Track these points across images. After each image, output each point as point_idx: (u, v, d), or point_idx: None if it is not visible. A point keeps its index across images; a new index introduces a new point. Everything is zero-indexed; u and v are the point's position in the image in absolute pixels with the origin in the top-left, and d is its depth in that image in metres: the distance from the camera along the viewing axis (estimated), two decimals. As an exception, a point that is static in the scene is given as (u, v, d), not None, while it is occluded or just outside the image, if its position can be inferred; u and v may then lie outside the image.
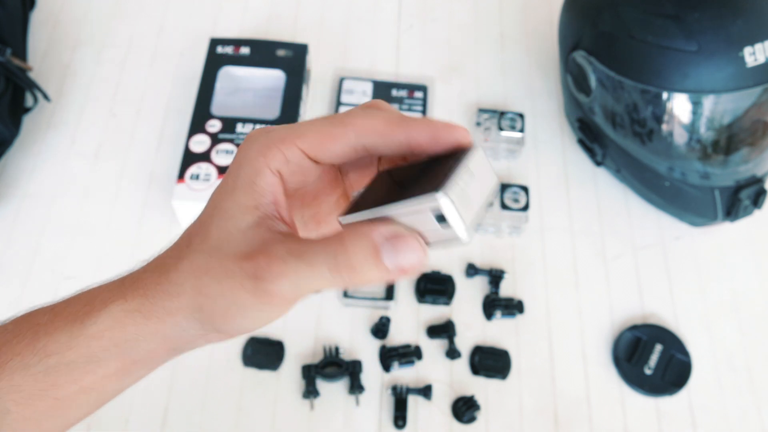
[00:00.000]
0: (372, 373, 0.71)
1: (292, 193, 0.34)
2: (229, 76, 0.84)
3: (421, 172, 0.32)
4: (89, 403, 0.34)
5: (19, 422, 0.32)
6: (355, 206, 0.32)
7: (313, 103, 0.88)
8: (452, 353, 0.72)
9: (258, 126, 0.79)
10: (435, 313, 0.75)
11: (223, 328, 0.32)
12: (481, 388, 0.71)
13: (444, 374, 0.71)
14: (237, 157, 0.33)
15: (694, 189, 0.75)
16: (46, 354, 0.32)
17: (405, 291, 0.76)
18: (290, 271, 0.29)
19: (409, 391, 0.69)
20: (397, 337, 0.73)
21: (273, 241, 0.30)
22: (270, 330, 0.73)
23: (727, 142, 0.73)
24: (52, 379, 0.32)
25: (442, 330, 0.73)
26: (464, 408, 0.68)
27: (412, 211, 0.28)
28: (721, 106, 0.71)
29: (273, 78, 0.84)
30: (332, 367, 0.70)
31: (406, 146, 0.32)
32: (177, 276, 0.32)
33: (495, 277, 0.76)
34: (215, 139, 0.77)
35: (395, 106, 0.87)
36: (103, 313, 0.32)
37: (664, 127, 0.73)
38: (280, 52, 0.85)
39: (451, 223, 0.28)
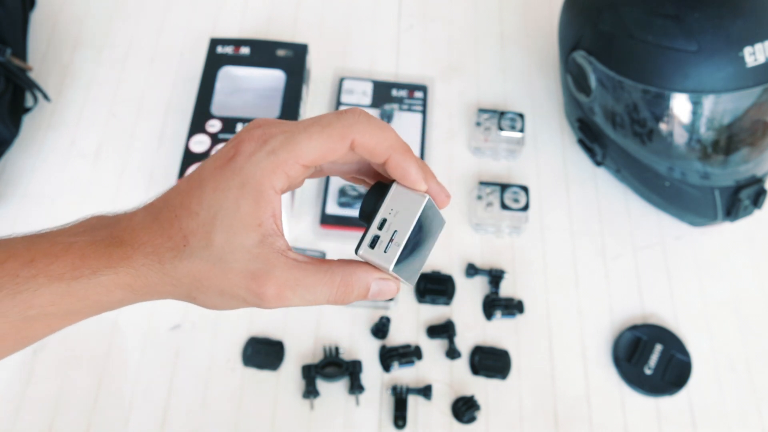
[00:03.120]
0: (372, 373, 0.71)
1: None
2: (229, 76, 0.84)
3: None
4: (49, 332, 0.36)
5: None
6: (366, 216, 0.37)
7: (314, 103, 0.88)
8: (452, 353, 0.72)
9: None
10: (435, 313, 0.75)
11: (207, 308, 0.36)
12: (481, 388, 0.71)
13: (444, 374, 0.71)
14: (241, 171, 0.33)
15: (694, 189, 0.75)
16: (27, 306, 0.33)
17: (405, 291, 0.76)
18: (296, 299, 0.34)
19: (409, 391, 0.69)
20: (397, 337, 0.73)
21: (277, 263, 0.33)
22: (270, 330, 0.73)
23: (727, 142, 0.73)
24: (29, 325, 0.33)
25: (442, 330, 0.73)
26: (464, 408, 0.68)
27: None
28: (721, 106, 0.71)
29: (273, 78, 0.84)
30: (332, 367, 0.70)
31: (384, 164, 0.35)
32: (173, 272, 0.33)
33: (495, 277, 0.76)
34: (215, 139, 0.77)
35: (395, 106, 0.87)
36: (93, 280, 0.33)
37: (664, 127, 0.73)
38: (280, 52, 0.85)
39: (379, 267, 0.35)
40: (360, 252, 0.35)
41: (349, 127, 0.34)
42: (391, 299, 0.65)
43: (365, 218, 0.36)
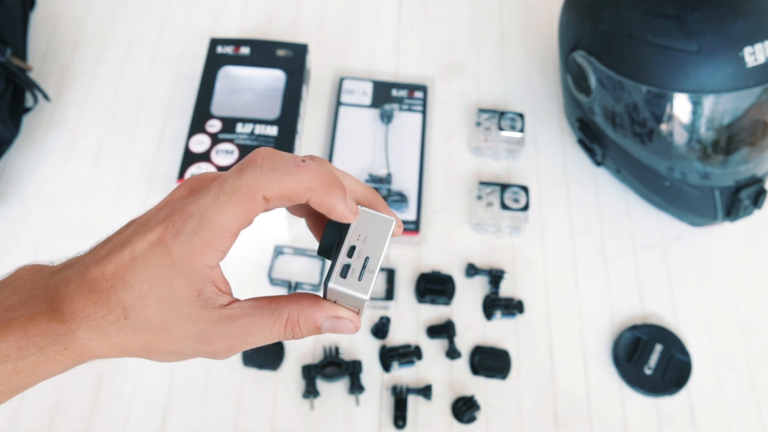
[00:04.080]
0: (372, 373, 0.71)
1: None
2: (229, 76, 0.84)
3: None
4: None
5: None
6: (325, 251, 0.35)
7: (314, 103, 0.88)
8: (452, 353, 0.72)
9: (255, 136, 0.79)
10: (435, 313, 0.75)
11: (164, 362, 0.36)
12: (481, 388, 0.71)
13: (444, 374, 0.71)
14: (168, 253, 0.32)
15: (694, 189, 0.75)
16: None
17: (405, 291, 0.76)
18: (246, 345, 0.34)
19: (409, 391, 0.69)
20: (397, 337, 0.73)
21: (220, 320, 0.33)
22: (270, 330, 0.73)
23: (727, 142, 0.73)
24: None
25: (442, 330, 0.73)
26: (464, 408, 0.68)
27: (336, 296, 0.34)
28: (721, 106, 0.71)
29: (273, 78, 0.84)
30: (332, 367, 0.70)
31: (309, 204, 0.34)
32: (122, 343, 0.33)
33: (495, 277, 0.76)
34: (215, 139, 0.77)
35: (395, 106, 0.87)
36: (41, 357, 0.33)
37: (664, 127, 0.73)
38: (280, 52, 0.85)
39: (354, 298, 0.33)
40: (330, 284, 0.33)
41: (254, 185, 0.32)
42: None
43: (326, 252, 0.34)
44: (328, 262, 0.39)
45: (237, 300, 0.34)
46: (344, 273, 0.33)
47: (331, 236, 0.34)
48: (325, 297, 0.35)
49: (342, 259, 0.33)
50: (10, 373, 0.33)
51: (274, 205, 0.34)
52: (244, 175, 0.32)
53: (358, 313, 0.35)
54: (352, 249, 0.33)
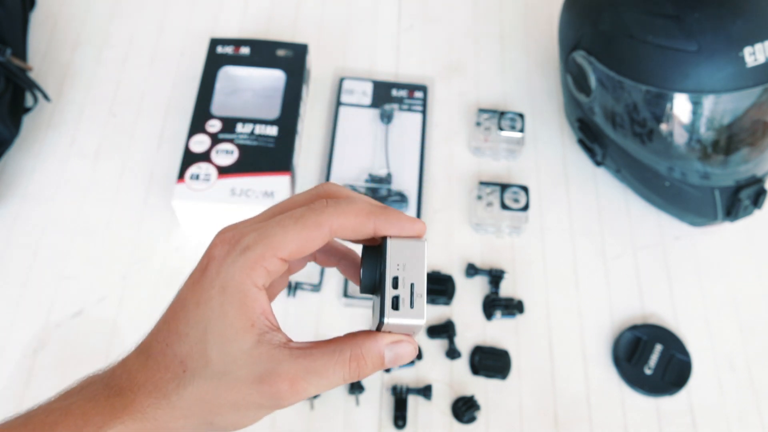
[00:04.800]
0: (372, 373, 0.71)
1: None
2: (229, 76, 0.84)
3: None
4: None
5: None
6: (369, 289, 0.35)
7: (314, 103, 0.88)
8: (452, 353, 0.72)
9: (256, 127, 0.79)
10: (435, 313, 0.75)
11: (225, 430, 0.34)
12: (481, 388, 0.71)
13: (444, 374, 0.71)
14: (218, 275, 0.32)
15: (694, 189, 0.75)
16: None
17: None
18: (312, 388, 0.32)
19: (409, 391, 0.69)
20: (397, 337, 0.73)
21: (281, 358, 0.32)
22: (270, 330, 0.72)
23: (727, 142, 0.73)
24: None
25: (442, 330, 0.73)
26: (464, 408, 0.68)
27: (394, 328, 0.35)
28: (721, 106, 0.71)
29: (273, 78, 0.84)
30: (332, 367, 0.70)
31: (373, 235, 0.34)
32: (181, 402, 0.32)
33: (495, 277, 0.76)
34: (215, 139, 0.77)
35: (395, 106, 0.87)
36: None
37: (664, 127, 0.73)
38: (280, 52, 0.85)
39: (411, 326, 0.34)
40: (387, 320, 0.33)
41: (323, 213, 0.32)
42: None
43: (371, 289, 0.35)
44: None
45: (292, 340, 0.33)
46: (395, 305, 0.33)
47: (370, 273, 0.35)
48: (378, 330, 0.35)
49: (389, 292, 0.33)
50: None
51: (330, 249, 0.36)
52: (313, 206, 0.33)
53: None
54: (396, 279, 0.33)
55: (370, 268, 0.35)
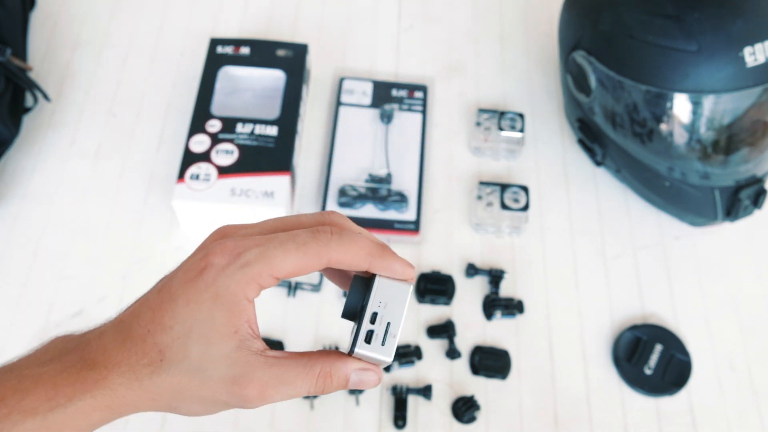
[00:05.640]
0: (372, 373, 0.71)
1: None
2: (229, 76, 0.84)
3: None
4: None
5: None
6: (349, 315, 0.37)
7: (314, 103, 0.88)
8: (452, 353, 0.72)
9: (254, 126, 0.79)
10: (435, 313, 0.75)
11: (187, 416, 0.37)
12: (481, 388, 0.71)
13: (444, 374, 0.71)
14: (214, 283, 0.33)
15: (694, 189, 0.75)
16: None
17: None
18: (278, 396, 0.34)
19: (409, 391, 0.69)
20: (397, 337, 0.73)
21: (256, 364, 0.34)
22: (270, 330, 0.73)
23: (727, 142, 0.73)
24: None
25: (442, 330, 0.73)
26: (464, 408, 0.68)
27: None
28: (721, 106, 0.71)
29: (273, 78, 0.84)
30: (332, 367, 0.70)
31: (366, 270, 0.36)
32: (152, 387, 0.34)
33: (495, 277, 0.76)
34: (215, 139, 0.77)
35: (395, 106, 0.87)
36: (69, 408, 0.32)
37: (664, 127, 0.73)
38: (280, 52, 0.85)
39: (378, 360, 0.36)
40: (357, 350, 0.35)
41: (325, 245, 0.34)
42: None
43: (351, 316, 0.37)
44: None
45: (269, 349, 0.35)
46: (368, 339, 0.35)
47: (354, 302, 0.37)
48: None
49: (365, 325, 0.35)
50: (40, 427, 0.32)
51: (327, 272, 0.38)
52: (319, 236, 0.35)
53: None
54: (374, 315, 0.35)
55: (354, 297, 0.37)
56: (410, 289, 0.36)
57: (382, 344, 0.35)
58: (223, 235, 0.36)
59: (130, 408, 0.34)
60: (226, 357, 0.33)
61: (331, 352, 0.36)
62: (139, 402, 0.34)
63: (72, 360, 0.34)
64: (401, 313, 0.35)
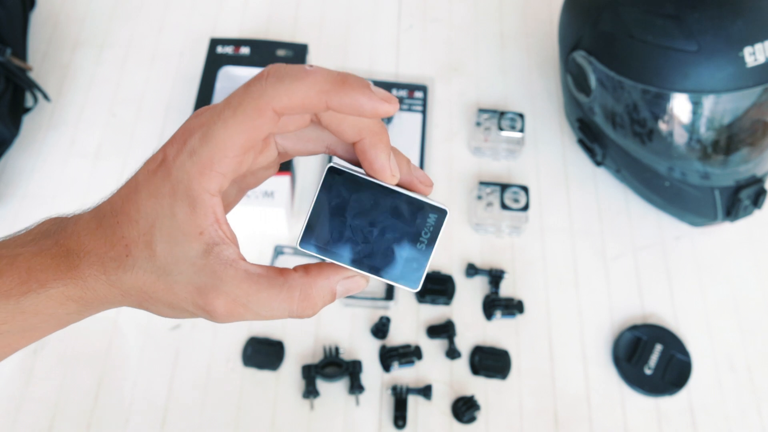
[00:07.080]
0: (372, 373, 0.71)
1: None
2: (229, 76, 0.84)
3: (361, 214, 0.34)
4: (11, 352, 0.34)
5: None
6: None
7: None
8: (452, 353, 0.72)
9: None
10: (435, 313, 0.75)
11: (159, 316, 0.34)
12: (481, 388, 0.71)
13: (444, 374, 0.71)
14: (168, 177, 0.31)
15: (694, 189, 0.75)
16: None
17: (405, 291, 0.76)
18: (249, 314, 0.31)
19: (409, 391, 0.69)
20: (397, 337, 0.73)
21: (224, 276, 0.31)
22: (270, 330, 0.73)
23: (727, 142, 0.73)
24: None
25: (442, 330, 0.73)
26: (464, 408, 0.68)
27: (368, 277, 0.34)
28: (721, 106, 0.71)
29: (273, 78, 0.84)
30: (332, 367, 0.70)
31: (327, 110, 0.30)
32: (119, 283, 0.32)
33: (495, 277, 0.76)
34: (215, 139, 0.77)
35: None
36: (42, 294, 0.31)
37: (664, 127, 0.73)
38: (280, 52, 0.85)
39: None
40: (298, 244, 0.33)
41: (260, 96, 0.29)
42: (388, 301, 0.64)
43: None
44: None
45: (245, 260, 0.32)
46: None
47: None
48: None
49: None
50: (14, 311, 0.31)
51: (289, 124, 0.32)
52: (251, 88, 0.29)
53: None
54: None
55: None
56: (324, 171, 0.32)
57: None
58: (195, 115, 0.32)
59: (102, 301, 0.32)
60: (191, 262, 0.30)
61: (310, 268, 0.33)
62: (110, 296, 0.32)
63: (48, 244, 0.32)
64: (313, 196, 0.33)
